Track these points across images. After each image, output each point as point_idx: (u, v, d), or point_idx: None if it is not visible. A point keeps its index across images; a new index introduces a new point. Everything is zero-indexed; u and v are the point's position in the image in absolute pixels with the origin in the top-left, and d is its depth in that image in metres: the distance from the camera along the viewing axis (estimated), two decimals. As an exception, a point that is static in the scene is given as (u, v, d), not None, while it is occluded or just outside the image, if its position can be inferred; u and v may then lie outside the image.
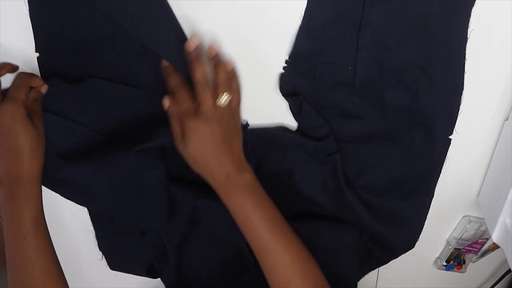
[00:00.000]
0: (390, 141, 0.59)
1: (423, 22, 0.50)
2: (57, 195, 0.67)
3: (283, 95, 0.57)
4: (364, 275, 0.72)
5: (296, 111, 0.58)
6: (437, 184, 0.63)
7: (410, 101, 0.56)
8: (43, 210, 0.52)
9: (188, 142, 0.51)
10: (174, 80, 0.52)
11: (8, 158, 0.50)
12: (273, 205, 0.54)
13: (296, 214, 0.65)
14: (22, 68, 0.56)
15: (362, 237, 0.66)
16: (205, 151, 0.51)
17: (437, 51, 0.52)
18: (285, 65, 0.55)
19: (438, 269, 0.76)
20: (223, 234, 0.62)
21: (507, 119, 0.58)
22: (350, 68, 0.54)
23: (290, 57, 0.54)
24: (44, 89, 0.54)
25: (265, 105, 0.58)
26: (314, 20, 0.51)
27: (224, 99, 0.51)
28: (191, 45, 0.50)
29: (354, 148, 0.60)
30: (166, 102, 0.52)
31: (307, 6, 0.50)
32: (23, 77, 0.53)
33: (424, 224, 0.66)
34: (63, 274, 0.53)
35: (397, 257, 0.69)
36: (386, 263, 0.70)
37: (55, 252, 0.53)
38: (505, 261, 0.75)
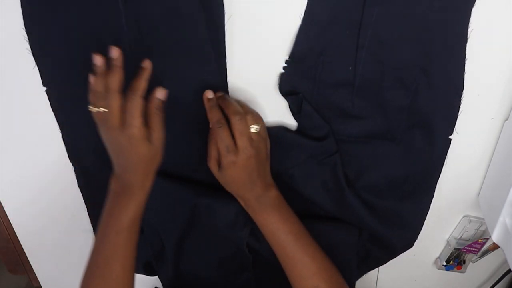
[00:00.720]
0: (390, 141, 0.59)
1: (423, 22, 0.51)
2: (57, 196, 0.67)
3: (282, 94, 0.57)
4: (362, 275, 0.72)
5: (296, 111, 0.58)
6: (437, 184, 0.63)
7: (410, 101, 0.56)
8: (142, 215, 0.56)
9: (225, 171, 0.55)
10: (216, 116, 0.53)
11: (124, 167, 0.54)
12: (297, 218, 0.59)
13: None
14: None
15: (361, 237, 0.66)
16: (240, 179, 0.55)
17: (437, 51, 0.52)
18: (285, 65, 0.55)
19: (438, 269, 0.76)
20: (223, 233, 0.62)
21: (507, 119, 0.58)
22: (350, 68, 0.54)
23: (290, 57, 0.54)
24: (160, 94, 0.51)
25: (265, 105, 0.58)
26: (314, 20, 0.51)
27: (254, 128, 0.54)
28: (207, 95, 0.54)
29: (354, 148, 0.60)
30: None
31: (307, 6, 0.51)
32: (138, 103, 0.49)
33: (423, 224, 0.66)
34: (134, 274, 0.57)
35: (396, 257, 0.69)
36: (385, 263, 0.70)
37: (136, 252, 0.56)
38: (505, 261, 0.75)
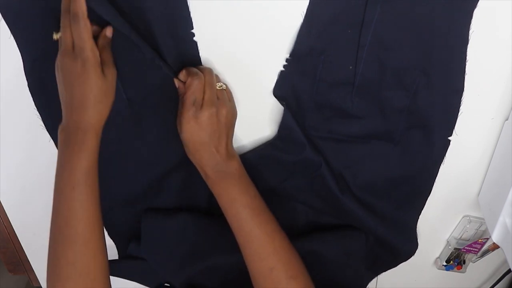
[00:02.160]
0: (389, 142, 0.59)
1: (425, 23, 0.51)
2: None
3: (275, 95, 0.57)
4: (374, 277, 0.72)
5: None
6: (438, 184, 0.63)
7: (410, 102, 0.56)
8: (97, 165, 0.51)
9: (185, 127, 0.52)
10: (193, 71, 0.53)
11: (71, 105, 0.50)
12: (258, 195, 0.55)
13: (301, 229, 0.66)
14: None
15: (368, 241, 0.66)
16: (199, 139, 0.52)
17: (438, 53, 0.52)
18: (286, 63, 0.55)
19: (438, 269, 0.76)
20: (230, 256, 0.62)
21: (507, 119, 0.58)
22: (350, 67, 0.54)
23: (291, 55, 0.54)
24: (108, 32, 0.51)
25: (265, 103, 0.58)
26: (316, 18, 0.51)
27: (220, 84, 0.54)
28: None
29: (352, 147, 0.60)
30: (176, 83, 0.54)
31: (309, 4, 0.51)
32: (84, 26, 0.48)
33: (417, 223, 0.67)
34: (104, 236, 0.53)
35: (406, 260, 0.69)
36: (395, 266, 0.70)
37: (100, 212, 0.52)
38: (505, 261, 0.75)
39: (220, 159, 0.54)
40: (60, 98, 0.51)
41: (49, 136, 0.61)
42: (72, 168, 0.49)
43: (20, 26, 0.53)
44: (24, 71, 0.56)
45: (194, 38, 0.54)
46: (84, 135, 0.49)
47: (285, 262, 0.53)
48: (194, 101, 0.51)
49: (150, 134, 0.59)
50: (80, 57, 0.48)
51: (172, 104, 0.56)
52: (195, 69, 0.53)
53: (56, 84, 0.51)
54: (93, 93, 0.49)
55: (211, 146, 0.53)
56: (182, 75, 0.53)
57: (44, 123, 0.60)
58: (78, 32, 0.48)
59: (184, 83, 0.53)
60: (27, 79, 0.56)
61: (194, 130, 0.52)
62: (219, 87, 0.54)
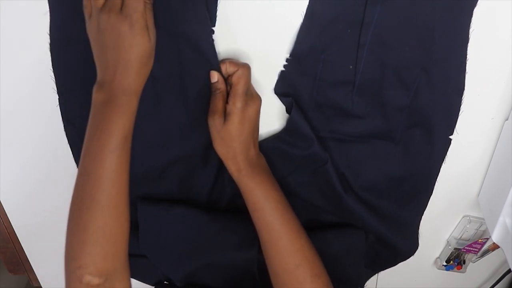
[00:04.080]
0: (390, 141, 0.59)
1: (425, 22, 0.51)
2: (58, 196, 0.67)
3: (276, 93, 0.57)
4: (373, 275, 0.72)
5: (289, 112, 0.58)
6: (437, 184, 0.63)
7: (410, 101, 0.56)
8: (132, 130, 0.49)
9: (233, 120, 0.52)
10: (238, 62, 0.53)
11: (114, 68, 0.47)
12: (282, 192, 0.56)
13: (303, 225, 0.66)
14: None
15: (368, 240, 0.66)
16: (245, 132, 0.52)
17: (438, 51, 0.52)
18: (286, 63, 0.55)
19: (438, 269, 0.76)
20: (230, 256, 0.62)
21: (507, 119, 0.58)
22: (351, 67, 0.54)
23: (291, 55, 0.54)
24: None
25: (265, 103, 0.58)
26: (316, 18, 0.51)
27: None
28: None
29: (353, 147, 0.60)
30: (215, 77, 0.53)
31: (309, 4, 0.51)
32: None
33: (420, 223, 0.66)
34: (129, 205, 0.50)
35: (405, 260, 0.69)
36: (395, 265, 0.70)
37: (129, 178, 0.50)
38: (505, 261, 0.75)
39: (254, 154, 0.54)
40: (98, 58, 0.48)
41: (49, 135, 0.61)
42: (111, 131, 0.46)
43: (62, 6, 0.52)
44: (51, 52, 0.55)
45: None
46: (128, 99, 0.47)
47: (310, 260, 0.53)
48: (247, 92, 0.52)
49: (166, 117, 0.57)
50: (130, 18, 0.45)
51: (196, 92, 0.55)
52: (237, 60, 0.53)
53: (83, 67, 0.49)
54: (140, 57, 0.47)
55: (251, 140, 0.53)
56: (225, 66, 0.53)
57: (60, 106, 0.58)
58: None
59: (222, 76, 0.53)
60: (52, 60, 0.55)
61: (244, 121, 0.52)
62: None
